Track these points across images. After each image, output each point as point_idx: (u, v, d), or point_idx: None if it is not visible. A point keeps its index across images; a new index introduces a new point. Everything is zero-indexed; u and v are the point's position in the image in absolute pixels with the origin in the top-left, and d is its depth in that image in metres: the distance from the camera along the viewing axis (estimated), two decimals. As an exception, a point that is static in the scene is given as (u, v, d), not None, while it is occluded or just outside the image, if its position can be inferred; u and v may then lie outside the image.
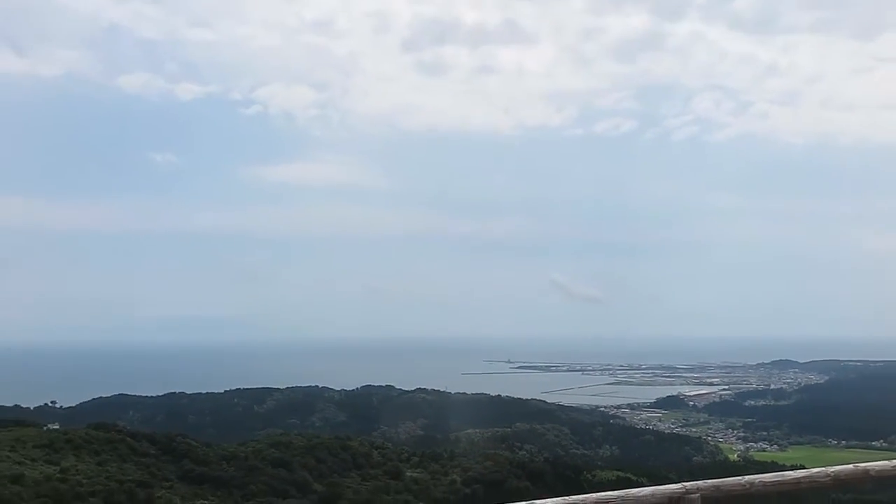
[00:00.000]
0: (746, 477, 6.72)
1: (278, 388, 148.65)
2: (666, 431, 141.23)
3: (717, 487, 6.39)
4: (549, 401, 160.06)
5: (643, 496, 6.16)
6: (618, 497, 6.07)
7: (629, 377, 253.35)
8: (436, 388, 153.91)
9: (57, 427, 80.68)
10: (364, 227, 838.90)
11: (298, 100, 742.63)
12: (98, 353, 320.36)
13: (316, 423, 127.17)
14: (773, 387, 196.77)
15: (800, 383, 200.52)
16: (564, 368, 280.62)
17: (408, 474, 76.98)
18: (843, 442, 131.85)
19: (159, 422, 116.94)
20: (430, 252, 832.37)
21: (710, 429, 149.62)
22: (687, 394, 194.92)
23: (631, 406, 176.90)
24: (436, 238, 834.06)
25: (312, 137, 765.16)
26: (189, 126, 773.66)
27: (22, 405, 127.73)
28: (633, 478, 71.61)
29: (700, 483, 6.25)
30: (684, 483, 6.20)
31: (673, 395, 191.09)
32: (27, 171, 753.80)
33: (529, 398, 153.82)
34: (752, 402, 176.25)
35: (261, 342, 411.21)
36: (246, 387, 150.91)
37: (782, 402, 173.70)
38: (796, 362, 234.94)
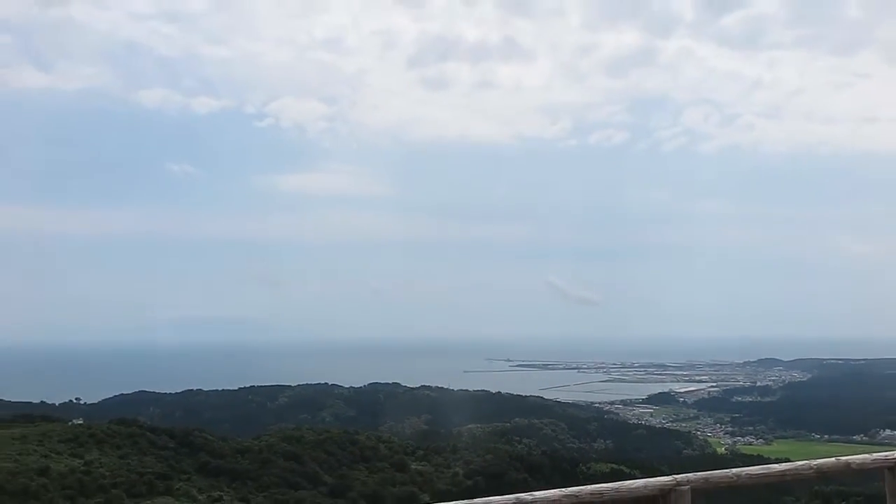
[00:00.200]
0: (734, 469, 6.73)
1: (290, 386, 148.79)
2: (657, 426, 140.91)
3: (706, 480, 6.40)
4: (546, 397, 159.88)
5: (636, 488, 6.17)
6: (612, 489, 6.08)
7: (622, 375, 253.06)
8: (439, 386, 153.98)
9: (81, 422, 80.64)
10: (371, 233, 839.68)
11: (309, 113, 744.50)
12: (119, 353, 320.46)
13: (326, 418, 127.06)
14: (758, 384, 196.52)
15: (784, 381, 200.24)
16: (561, 367, 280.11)
17: (413, 467, 76.91)
18: (826, 436, 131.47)
19: (178, 417, 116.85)
20: (434, 257, 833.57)
21: (700, 424, 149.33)
22: (677, 390, 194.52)
23: (624, 402, 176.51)
24: (439, 243, 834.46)
25: (322, 148, 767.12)
26: (205, 138, 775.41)
27: (48, 402, 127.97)
28: (627, 470, 71.59)
29: (690, 475, 6.26)
30: (675, 475, 6.21)
31: (664, 392, 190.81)
32: (53, 181, 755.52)
33: (528, 395, 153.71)
34: (739, 399, 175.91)
35: (273, 342, 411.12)
36: (259, 384, 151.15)
37: (768, 399, 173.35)
38: (781, 361, 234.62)
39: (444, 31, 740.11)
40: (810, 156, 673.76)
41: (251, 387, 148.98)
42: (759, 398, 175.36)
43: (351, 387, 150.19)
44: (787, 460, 7.99)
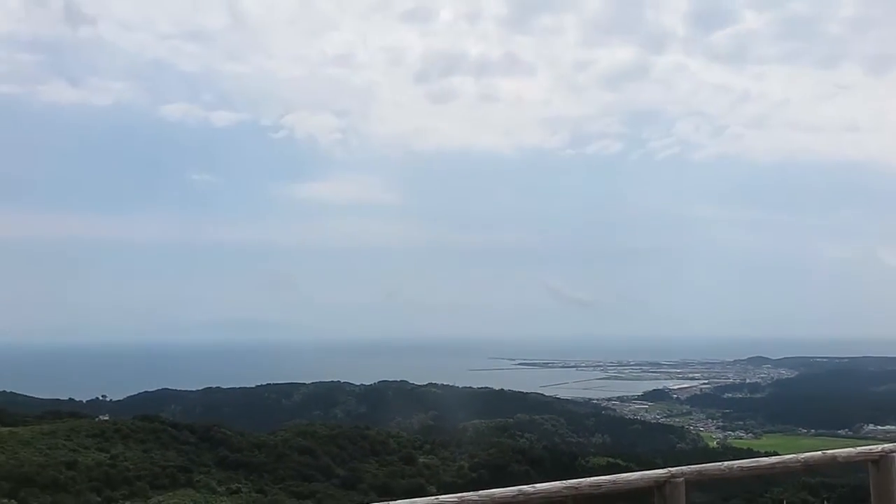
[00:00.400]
0: (725, 462, 6.73)
1: (304, 383, 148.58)
2: (652, 421, 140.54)
3: (699, 472, 6.39)
4: (546, 394, 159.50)
5: (633, 480, 6.17)
6: (610, 481, 6.07)
7: (618, 373, 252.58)
8: (445, 383, 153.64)
9: (107, 418, 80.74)
10: (380, 239, 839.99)
11: (322, 125, 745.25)
12: (143, 352, 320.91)
13: (338, 414, 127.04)
14: (748, 381, 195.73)
15: (773, 378, 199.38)
16: (560, 365, 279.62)
17: (420, 460, 76.83)
18: (812, 431, 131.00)
19: (198, 413, 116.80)
20: (439, 261, 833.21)
21: (692, 419, 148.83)
22: (671, 387, 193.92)
23: (620, 399, 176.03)
24: (444, 248, 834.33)
25: (334, 159, 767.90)
26: (224, 149, 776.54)
27: (76, 399, 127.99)
28: (623, 463, 71.30)
29: (684, 468, 6.25)
30: (670, 468, 6.21)
31: (658, 389, 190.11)
32: (82, 189, 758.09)
33: (529, 392, 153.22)
34: (730, 395, 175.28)
35: (288, 342, 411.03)
36: (275, 382, 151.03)
37: (757, 395, 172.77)
38: (769, 359, 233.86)
39: (448, 48, 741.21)
40: (795, 164, 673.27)
41: (267, 384, 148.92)
42: (748, 395, 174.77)
43: (361, 384, 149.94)
44: (776, 454, 7.99)
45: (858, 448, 7.43)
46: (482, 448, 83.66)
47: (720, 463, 6.66)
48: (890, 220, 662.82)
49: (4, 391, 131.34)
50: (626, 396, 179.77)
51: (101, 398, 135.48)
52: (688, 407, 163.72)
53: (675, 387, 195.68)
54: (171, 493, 53.94)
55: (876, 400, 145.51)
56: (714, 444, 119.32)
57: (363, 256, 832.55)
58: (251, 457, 68.62)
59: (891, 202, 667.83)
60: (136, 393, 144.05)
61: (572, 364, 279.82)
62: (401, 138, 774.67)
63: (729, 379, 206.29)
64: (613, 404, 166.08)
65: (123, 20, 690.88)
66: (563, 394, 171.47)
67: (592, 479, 6.02)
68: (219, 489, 57.30)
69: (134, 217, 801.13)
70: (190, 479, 58.68)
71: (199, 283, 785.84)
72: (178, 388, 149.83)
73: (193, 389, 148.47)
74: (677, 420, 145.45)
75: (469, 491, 5.53)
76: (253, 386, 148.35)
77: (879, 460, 7.20)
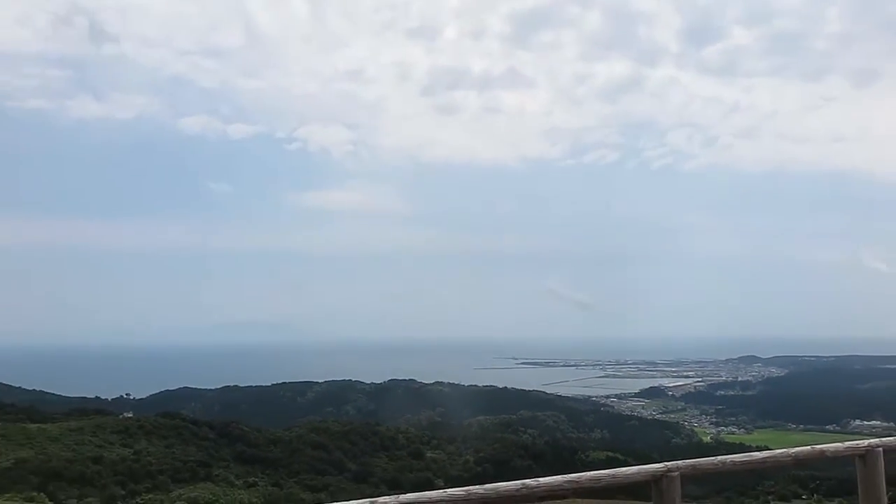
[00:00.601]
0: (719, 457, 6.70)
1: (317, 382, 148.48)
2: (648, 417, 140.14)
3: (693, 466, 6.36)
4: (548, 392, 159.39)
5: (631, 474, 6.14)
6: (609, 475, 6.05)
7: (616, 371, 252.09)
8: (451, 382, 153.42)
9: (131, 415, 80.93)
10: (389, 245, 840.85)
11: (333, 137, 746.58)
12: (165, 353, 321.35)
13: (349, 411, 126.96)
14: (740, 379, 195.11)
15: (763, 376, 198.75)
16: (561, 364, 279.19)
17: (428, 455, 76.78)
18: (801, 426, 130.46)
19: (217, 411, 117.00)
20: (446, 265, 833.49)
21: (687, 415, 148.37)
22: (666, 385, 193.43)
23: (618, 396, 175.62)
24: (450, 253, 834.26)
25: (345, 169, 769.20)
26: (240, 160, 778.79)
27: (102, 397, 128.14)
28: (621, 457, 71.15)
29: (679, 462, 6.22)
30: (666, 462, 6.18)
31: (654, 386, 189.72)
32: (107, 198, 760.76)
33: (531, 389, 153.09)
34: (723, 392, 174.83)
35: (302, 343, 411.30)
36: (290, 381, 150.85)
37: (748, 392, 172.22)
38: (760, 358, 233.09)
39: (453, 63, 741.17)
40: (783, 173, 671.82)
41: (282, 383, 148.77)
42: (740, 392, 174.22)
43: (372, 383, 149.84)
44: (767, 448, 7.95)
45: (846, 443, 7.41)
46: (487, 443, 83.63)
47: (714, 458, 6.63)
48: (873, 225, 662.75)
49: (34, 390, 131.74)
50: (624, 394, 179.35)
51: (125, 396, 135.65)
52: (682, 404, 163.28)
53: (671, 384, 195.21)
54: (191, 487, 53.91)
55: (861, 397, 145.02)
56: (708, 439, 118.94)
57: (373, 261, 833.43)
58: (267, 452, 68.68)
59: (874, 209, 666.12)
60: (158, 391, 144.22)
61: (572, 363, 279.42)
62: (409, 149, 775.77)
63: (721, 377, 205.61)
64: (611, 401, 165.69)
65: (145, 38, 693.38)
66: (564, 391, 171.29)
67: (592, 473, 6.01)
68: (237, 483, 57.28)
69: (155, 224, 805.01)
70: (209, 473, 58.71)
71: (217, 287, 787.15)
72: (198, 387, 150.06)
73: (212, 388, 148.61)
74: (672, 416, 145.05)
75: (475, 484, 5.52)
76: (269, 385, 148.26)
77: (866, 455, 7.18)
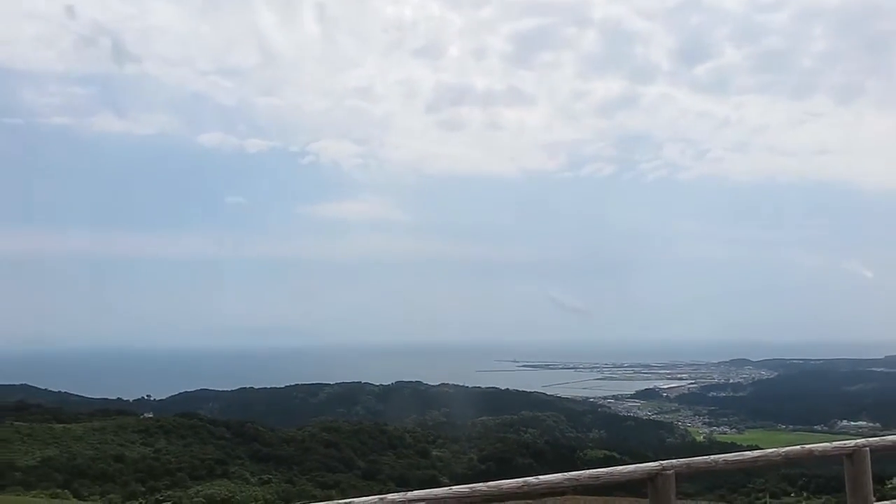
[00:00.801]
0: (713, 456, 6.69)
1: (328, 384, 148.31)
2: (644, 418, 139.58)
3: (688, 465, 6.36)
4: (548, 393, 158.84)
5: (628, 472, 6.13)
6: (607, 473, 6.05)
7: (613, 373, 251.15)
8: (456, 383, 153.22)
9: (151, 416, 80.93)
10: (396, 253, 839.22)
11: (343, 151, 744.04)
12: (184, 356, 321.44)
13: (359, 411, 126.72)
14: (731, 381, 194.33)
15: (754, 378, 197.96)
16: (560, 367, 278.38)
17: (434, 453, 76.63)
18: (790, 426, 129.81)
19: (233, 411, 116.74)
20: (450, 272, 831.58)
21: (681, 415, 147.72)
22: (661, 387, 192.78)
23: (615, 397, 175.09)
24: (454, 261, 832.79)
25: (355, 181, 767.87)
26: (256, 173, 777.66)
27: (123, 398, 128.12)
28: (618, 456, 70.91)
29: (674, 461, 6.22)
30: (661, 461, 6.18)
31: (649, 388, 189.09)
32: (129, 210, 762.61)
33: (532, 391, 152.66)
34: (715, 394, 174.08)
35: (314, 346, 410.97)
36: (302, 382, 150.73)
37: (740, 394, 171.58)
38: (750, 360, 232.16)
39: (457, 81, 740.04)
40: (771, 183, 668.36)
41: (295, 385, 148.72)
42: (732, 393, 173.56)
43: (380, 384, 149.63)
44: (758, 447, 7.93)
45: (834, 443, 7.41)
46: (490, 442, 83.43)
47: (708, 457, 6.63)
48: (858, 233, 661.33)
49: (60, 392, 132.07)
50: (621, 395, 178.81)
51: (146, 397, 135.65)
52: (676, 405, 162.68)
53: (665, 386, 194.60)
54: (208, 484, 53.87)
55: (848, 398, 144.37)
56: (701, 438, 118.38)
57: (380, 269, 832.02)
58: (281, 450, 68.60)
59: (858, 217, 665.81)
60: (177, 393, 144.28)
61: (571, 366, 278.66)
62: (415, 162, 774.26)
63: (714, 379, 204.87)
64: (609, 402, 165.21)
65: (165, 58, 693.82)
66: (563, 393, 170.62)
67: (591, 471, 6.00)
68: (252, 480, 57.24)
69: (174, 234, 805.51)
70: (226, 470, 58.68)
71: (232, 294, 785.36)
72: (215, 388, 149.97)
73: (228, 389, 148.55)
74: (667, 416, 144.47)
75: (479, 482, 5.53)
76: (282, 386, 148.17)
77: (853, 454, 7.17)
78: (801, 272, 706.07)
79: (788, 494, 50.11)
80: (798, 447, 7.26)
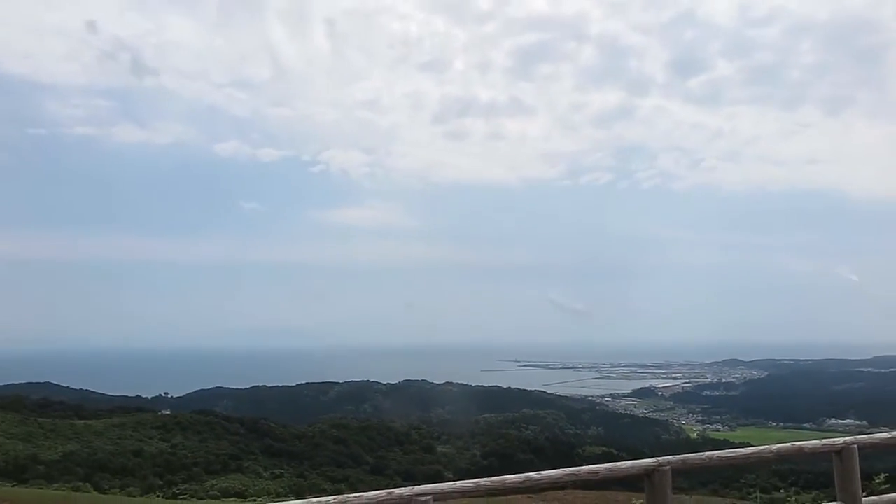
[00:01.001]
0: (707, 453, 6.68)
1: (338, 382, 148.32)
2: (640, 416, 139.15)
3: (684, 461, 6.35)
4: (548, 392, 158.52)
5: (626, 468, 6.13)
6: (606, 469, 6.05)
7: (611, 373, 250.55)
8: (460, 382, 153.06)
9: (168, 412, 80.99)
10: (402, 257, 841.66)
11: (352, 160, 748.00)
12: (200, 355, 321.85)
13: (367, 409, 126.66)
14: (724, 380, 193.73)
15: (745, 378, 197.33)
16: (560, 366, 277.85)
17: (439, 449, 76.55)
18: (781, 424, 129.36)
19: (247, 409, 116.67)
20: (454, 276, 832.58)
21: (675, 414, 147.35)
22: (656, 386, 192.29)
23: (612, 396, 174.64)
24: (458, 265, 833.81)
25: (363, 189, 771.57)
26: (269, 181, 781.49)
27: (142, 396, 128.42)
28: (615, 452, 70.68)
29: (671, 457, 6.21)
30: (658, 458, 6.17)
31: (646, 387, 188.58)
32: (148, 216, 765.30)
33: (533, 389, 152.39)
34: (708, 393, 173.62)
35: (323, 347, 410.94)
36: (313, 381, 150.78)
37: (732, 393, 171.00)
38: (742, 361, 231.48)
39: (461, 93, 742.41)
40: (763, 192, 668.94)
41: (306, 383, 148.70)
42: (724, 392, 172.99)
43: (387, 383, 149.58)
44: (749, 444, 7.92)
45: (823, 440, 7.39)
46: (492, 439, 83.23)
47: (703, 453, 6.61)
48: (846, 240, 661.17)
49: (81, 389, 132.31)
50: (618, 394, 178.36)
51: (163, 395, 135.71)
52: (671, 403, 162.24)
53: (660, 385, 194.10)
54: (223, 478, 53.91)
55: (836, 397, 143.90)
56: (694, 435, 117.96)
57: (388, 273, 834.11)
58: (292, 446, 68.62)
59: (846, 225, 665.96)
60: (193, 390, 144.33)
61: (570, 366, 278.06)
62: (420, 171, 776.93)
63: (707, 378, 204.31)
64: (606, 401, 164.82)
65: (182, 71, 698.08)
66: (563, 392, 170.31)
67: (591, 467, 6.00)
68: (264, 474, 57.25)
69: (191, 239, 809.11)
70: (240, 465, 58.72)
71: (246, 296, 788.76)
72: (230, 387, 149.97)
73: (242, 388, 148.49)
74: (662, 414, 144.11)
75: (482, 477, 5.53)
76: (293, 384, 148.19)
77: (842, 451, 7.15)
78: (792, 277, 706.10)
79: (779, 490, 49.80)
80: (789, 444, 7.24)
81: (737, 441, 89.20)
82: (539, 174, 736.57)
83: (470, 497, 5.44)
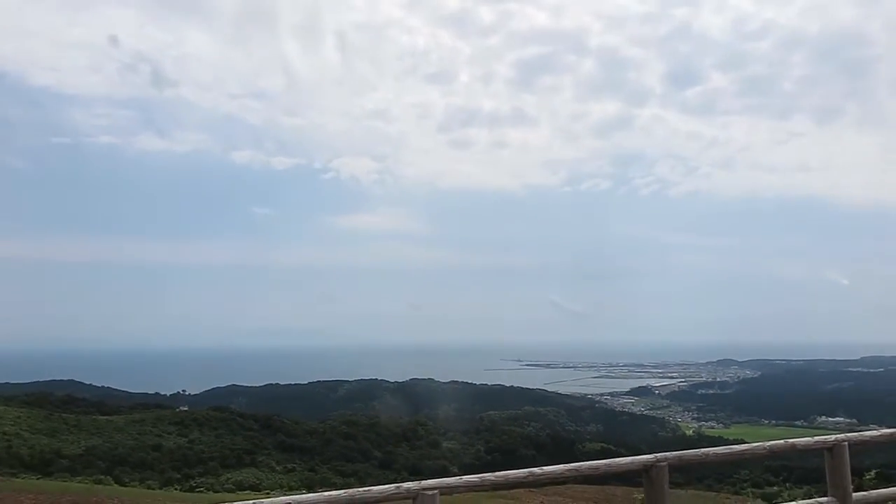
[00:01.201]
0: (704, 449, 6.68)
1: (348, 380, 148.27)
2: (638, 413, 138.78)
3: (680, 457, 6.34)
4: (549, 390, 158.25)
5: (625, 463, 6.12)
6: (605, 464, 6.04)
7: (609, 372, 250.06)
8: (465, 381, 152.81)
9: (186, 409, 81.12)
10: (409, 260, 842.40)
11: (362, 168, 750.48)
12: (216, 354, 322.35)
13: (376, 406, 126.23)
14: (718, 379, 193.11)
15: (739, 377, 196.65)
16: (560, 366, 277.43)
17: (444, 445, 76.33)
18: (773, 421, 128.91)
19: (260, 405, 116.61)
20: (459, 278, 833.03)
21: (671, 411, 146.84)
22: (653, 385, 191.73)
23: (611, 394, 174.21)
24: (463, 269, 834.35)
25: (372, 195, 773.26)
26: (282, 188, 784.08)
27: (161, 393, 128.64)
28: (614, 448, 70.53)
29: (668, 454, 6.20)
30: (656, 454, 6.16)
31: (643, 386, 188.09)
32: (167, 220, 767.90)
33: (534, 388, 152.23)
34: (703, 391, 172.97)
35: (334, 346, 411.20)
36: (324, 379, 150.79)
37: (726, 391, 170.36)
38: (736, 361, 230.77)
39: (466, 104, 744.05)
40: (756, 198, 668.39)
41: (317, 381, 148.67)
42: (719, 391, 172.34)
43: (395, 381, 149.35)
44: (743, 441, 7.92)
45: (815, 438, 7.37)
46: (495, 435, 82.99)
47: (700, 450, 6.61)
48: (835, 244, 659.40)
49: (103, 386, 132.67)
50: (616, 392, 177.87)
51: (181, 392, 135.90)
52: (668, 401, 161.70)
53: (657, 384, 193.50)
54: (238, 472, 53.94)
55: (827, 396, 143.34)
56: (690, 432, 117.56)
57: (396, 275, 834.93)
58: (304, 442, 68.56)
59: (836, 230, 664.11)
60: (209, 388, 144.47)
61: (571, 365, 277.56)
62: (427, 178, 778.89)
63: (702, 377, 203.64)
64: (605, 399, 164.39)
65: (200, 83, 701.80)
66: (563, 390, 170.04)
67: (591, 462, 6.00)
68: (277, 468, 57.23)
69: (208, 243, 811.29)
70: (254, 459, 58.70)
71: (260, 297, 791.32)
72: (244, 384, 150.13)
73: (257, 385, 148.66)
74: (659, 412, 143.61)
75: (486, 471, 5.53)
76: (305, 382, 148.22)
77: (833, 448, 7.13)
78: (783, 280, 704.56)
79: (771, 485, 49.60)
80: (782, 441, 7.22)
81: (731, 438, 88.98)
82: (541, 181, 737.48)
83: (475, 491, 5.43)
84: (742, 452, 6.93)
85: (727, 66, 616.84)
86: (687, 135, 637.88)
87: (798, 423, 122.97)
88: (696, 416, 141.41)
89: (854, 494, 7.18)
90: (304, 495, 5.03)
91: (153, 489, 38.34)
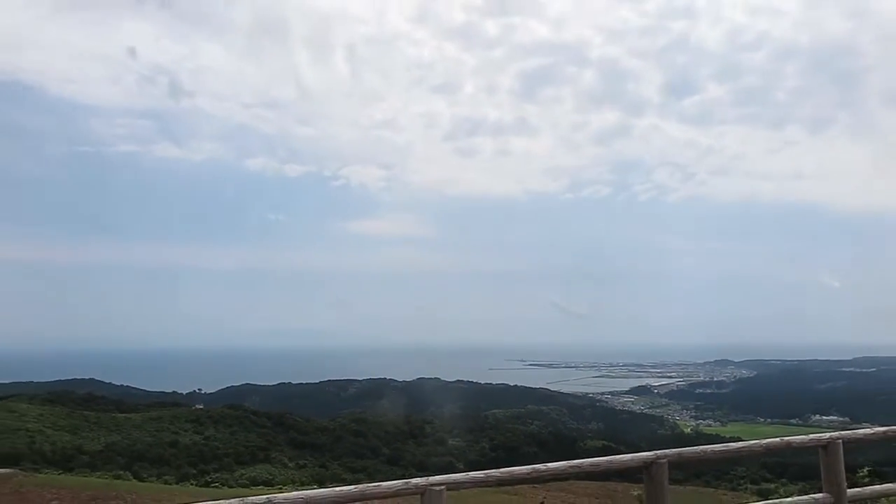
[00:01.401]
0: (702, 447, 6.66)
1: (357, 380, 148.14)
2: (637, 412, 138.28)
3: (679, 455, 6.32)
4: (551, 389, 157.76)
5: (625, 460, 6.10)
6: (607, 461, 6.02)
7: (610, 372, 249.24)
8: (470, 380, 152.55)
9: (202, 407, 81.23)
10: (417, 265, 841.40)
11: (370, 175, 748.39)
12: (230, 354, 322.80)
13: (384, 404, 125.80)
14: (715, 379, 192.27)
15: (735, 376, 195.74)
16: (562, 365, 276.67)
17: (450, 442, 76.25)
18: (769, 420, 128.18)
19: (273, 403, 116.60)
20: (465, 282, 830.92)
21: (670, 410, 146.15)
22: (652, 384, 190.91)
23: (611, 393, 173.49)
24: (469, 272, 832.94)
25: (381, 201, 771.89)
26: (294, 194, 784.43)
27: (178, 391, 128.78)
28: (614, 446, 70.14)
29: (668, 451, 6.19)
30: (656, 451, 6.14)
31: (642, 385, 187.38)
32: (183, 225, 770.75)
33: (537, 387, 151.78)
34: (701, 391, 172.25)
35: (344, 346, 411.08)
36: (334, 378, 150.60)
37: (723, 391, 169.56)
38: (733, 361, 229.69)
39: (471, 113, 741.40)
40: (751, 204, 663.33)
41: (328, 380, 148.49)
42: (716, 390, 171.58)
43: (403, 381, 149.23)
44: (740, 439, 7.89)
45: (810, 435, 7.35)
46: (500, 433, 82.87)
47: (698, 447, 6.59)
48: (828, 249, 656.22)
49: (122, 385, 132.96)
50: (616, 391, 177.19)
51: (197, 391, 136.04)
52: (666, 400, 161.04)
53: (656, 383, 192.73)
54: (252, 467, 53.99)
55: (820, 395, 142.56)
56: (688, 430, 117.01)
57: (403, 279, 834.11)
58: (316, 439, 68.60)
59: (828, 235, 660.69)
60: (224, 387, 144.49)
61: (572, 365, 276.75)
62: (434, 185, 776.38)
63: (700, 377, 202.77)
64: (606, 398, 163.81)
65: (215, 93, 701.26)
66: (565, 389, 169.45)
67: (592, 459, 5.98)
68: (290, 464, 57.27)
69: (223, 247, 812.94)
70: (267, 455, 58.76)
71: (273, 300, 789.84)
72: (258, 383, 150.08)
73: (270, 384, 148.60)
74: (658, 411, 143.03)
75: (490, 468, 5.53)
76: (316, 382, 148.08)
77: (828, 445, 7.10)
78: (778, 283, 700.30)
79: (767, 481, 49.33)
80: (777, 439, 7.19)
81: (728, 436, 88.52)
82: (543, 188, 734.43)
83: (481, 487, 5.42)
84: (739, 450, 6.92)
85: (723, 77, 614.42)
86: (684, 143, 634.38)
87: (793, 421, 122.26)
88: (693, 414, 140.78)
89: (848, 491, 7.15)
90: (315, 490, 5.03)
91: (170, 484, 38.41)
